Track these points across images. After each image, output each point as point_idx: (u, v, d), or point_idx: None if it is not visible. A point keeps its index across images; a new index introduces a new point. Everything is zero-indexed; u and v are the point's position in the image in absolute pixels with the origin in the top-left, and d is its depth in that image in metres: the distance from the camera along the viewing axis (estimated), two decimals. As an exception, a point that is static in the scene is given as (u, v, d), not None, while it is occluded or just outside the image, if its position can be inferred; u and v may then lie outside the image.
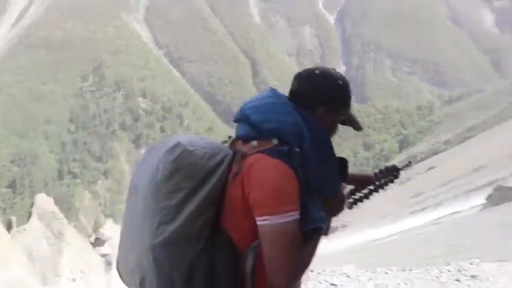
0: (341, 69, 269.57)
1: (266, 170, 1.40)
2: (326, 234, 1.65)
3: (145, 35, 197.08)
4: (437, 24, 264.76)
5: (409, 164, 2.08)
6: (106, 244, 62.12)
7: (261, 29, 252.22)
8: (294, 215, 1.38)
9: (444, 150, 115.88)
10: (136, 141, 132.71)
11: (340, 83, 1.63)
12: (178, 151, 1.42)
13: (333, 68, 1.70)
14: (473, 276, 4.94)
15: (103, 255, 55.53)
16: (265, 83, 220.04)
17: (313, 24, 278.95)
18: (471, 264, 5.59)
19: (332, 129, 1.68)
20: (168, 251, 1.38)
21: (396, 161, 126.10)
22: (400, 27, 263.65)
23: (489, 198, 32.94)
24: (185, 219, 1.38)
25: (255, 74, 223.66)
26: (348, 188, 1.88)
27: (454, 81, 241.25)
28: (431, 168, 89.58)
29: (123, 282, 1.61)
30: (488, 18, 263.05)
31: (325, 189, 1.55)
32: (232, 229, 1.43)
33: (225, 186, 1.45)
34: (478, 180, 54.06)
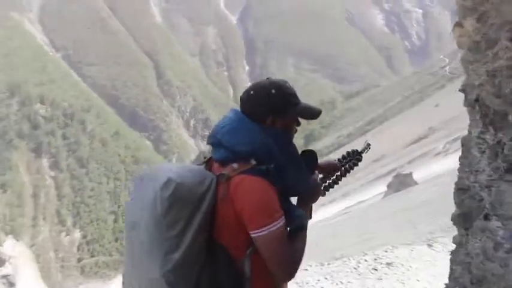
0: (245, 68, 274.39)
1: (252, 189, 1.64)
2: (310, 218, 1.94)
3: (40, 37, 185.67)
4: (335, 24, 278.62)
5: (367, 146, 2.34)
6: (6, 263, 58.08)
7: (163, 29, 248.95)
8: (281, 221, 1.65)
9: (347, 143, 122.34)
10: (37, 150, 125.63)
11: (273, 91, 1.82)
12: (171, 187, 1.58)
13: (267, 78, 1.93)
14: (388, 264, 4.99)
15: (3, 276, 51.97)
16: (169, 84, 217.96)
17: (216, 24, 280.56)
18: (386, 251, 5.79)
19: (290, 132, 1.92)
20: (178, 274, 1.58)
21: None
22: (301, 26, 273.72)
23: (390, 185, 36.22)
24: (188, 245, 1.59)
25: (159, 75, 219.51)
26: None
27: (353, 77, 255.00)
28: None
29: None
30: (379, 19, 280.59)
31: (300, 190, 1.84)
32: (227, 241, 1.68)
33: (215, 206, 1.67)
34: (380, 170, 57.64)
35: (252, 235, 1.64)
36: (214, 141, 1.81)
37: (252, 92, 1.84)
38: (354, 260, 5.76)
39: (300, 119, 1.94)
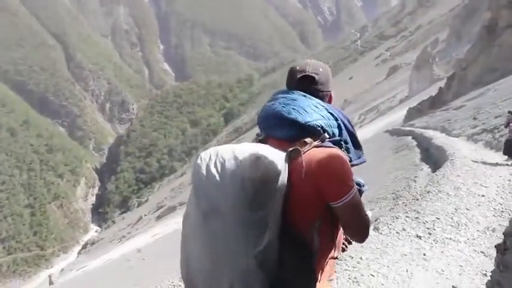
0: (160, 48, 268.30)
1: (333, 160, 1.67)
2: None
3: None
4: (249, 1, 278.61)
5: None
6: None
7: (70, 9, 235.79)
8: (356, 188, 1.74)
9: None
10: None
11: (326, 69, 1.97)
12: (262, 166, 1.61)
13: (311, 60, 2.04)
14: (335, 258, 5.30)
15: None
16: (81, 67, 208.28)
17: (127, 2, 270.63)
18: None
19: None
20: (268, 253, 1.59)
21: (224, 133, 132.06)
22: (214, 3, 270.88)
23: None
24: (275, 223, 1.60)
25: (69, 58, 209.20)
26: None
27: (268, 53, 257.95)
28: (256, 138, 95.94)
29: None
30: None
31: (357, 163, 1.90)
32: (294, 217, 1.68)
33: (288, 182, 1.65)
34: None
35: (335, 205, 1.68)
36: (273, 122, 1.80)
37: (321, 69, 1.92)
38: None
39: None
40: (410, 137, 22.69)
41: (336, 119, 1.81)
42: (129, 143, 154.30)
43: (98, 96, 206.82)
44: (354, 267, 3.62)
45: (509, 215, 5.34)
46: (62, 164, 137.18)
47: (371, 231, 4.31)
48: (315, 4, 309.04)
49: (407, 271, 3.44)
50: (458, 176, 7.70)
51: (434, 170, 11.58)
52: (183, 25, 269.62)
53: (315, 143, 1.71)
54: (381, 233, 4.32)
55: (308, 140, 1.71)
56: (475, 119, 20.22)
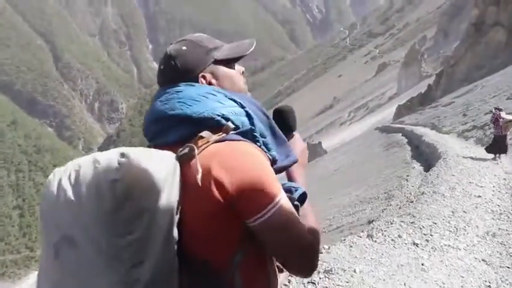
0: (148, 47, 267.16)
1: (240, 158, 1.15)
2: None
3: None
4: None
5: None
6: None
7: (58, 9, 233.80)
8: (282, 199, 1.16)
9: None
10: None
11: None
12: (124, 166, 1.08)
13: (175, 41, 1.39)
14: (327, 272, 3.72)
15: None
16: (69, 67, 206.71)
17: (115, 2, 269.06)
18: (320, 253, 4.97)
19: (238, 82, 1.39)
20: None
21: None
22: (203, 2, 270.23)
23: (301, 157, 37.42)
24: (160, 249, 1.09)
25: (57, 58, 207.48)
26: None
27: (258, 52, 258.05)
28: None
29: None
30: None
31: (288, 162, 1.33)
32: (201, 247, 1.17)
33: (181, 198, 1.14)
34: None
35: (251, 224, 1.14)
36: (156, 127, 1.27)
37: (184, 48, 1.33)
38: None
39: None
40: (400, 134, 22.58)
41: (242, 106, 1.25)
42: (118, 143, 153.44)
43: (87, 96, 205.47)
44: (347, 282, 3.20)
45: (508, 217, 5.14)
46: (51, 165, 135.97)
47: (365, 240, 4.07)
48: (303, 2, 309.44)
49: (405, 285, 3.17)
50: (453, 175, 7.49)
51: (426, 168, 11.41)
52: (172, 24, 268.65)
53: (215, 137, 1.18)
54: (375, 241, 4.02)
55: (205, 133, 1.19)
56: (464, 115, 20.13)
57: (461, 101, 24.60)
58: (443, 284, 3.27)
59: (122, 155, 1.10)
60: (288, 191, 1.26)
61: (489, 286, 3.37)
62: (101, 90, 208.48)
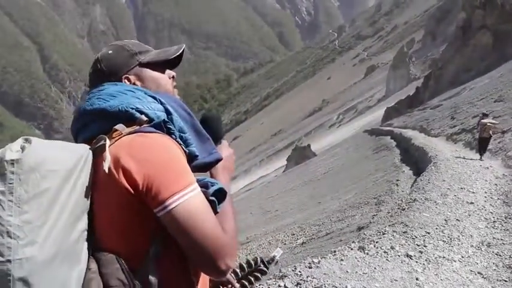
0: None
1: (149, 148, 1.16)
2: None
3: None
4: (227, 1, 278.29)
5: (273, 259, 1.69)
6: None
7: (45, 9, 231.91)
8: (197, 186, 1.18)
9: (245, 119, 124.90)
10: None
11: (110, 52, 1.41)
12: (25, 149, 1.08)
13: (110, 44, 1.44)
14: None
15: None
16: (57, 69, 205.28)
17: (103, 3, 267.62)
18: (310, 267, 3.91)
19: (165, 85, 1.43)
20: (42, 278, 1.03)
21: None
22: (192, 3, 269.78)
23: (289, 159, 37.23)
24: (59, 231, 1.07)
25: (44, 59, 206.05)
26: None
27: (247, 54, 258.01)
28: (235, 138, 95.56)
29: None
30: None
31: (211, 158, 1.33)
32: (114, 242, 1.16)
33: (93, 190, 1.17)
34: (278, 144, 58.69)
35: (161, 213, 1.12)
36: (77, 124, 1.32)
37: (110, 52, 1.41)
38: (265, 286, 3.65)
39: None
40: (389, 137, 22.54)
41: (161, 103, 1.27)
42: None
43: (75, 98, 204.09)
44: None
45: (502, 225, 5.01)
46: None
47: (357, 253, 3.90)
48: (292, 4, 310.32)
49: (400, 302, 3.01)
50: (444, 180, 7.37)
51: (415, 172, 11.31)
52: (161, 25, 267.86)
53: (129, 129, 1.20)
54: (368, 253, 3.85)
55: (119, 126, 1.21)
56: (453, 118, 20.15)
57: (449, 104, 24.64)
58: (439, 300, 3.13)
59: (26, 140, 1.10)
60: (204, 186, 1.24)
61: (487, 303, 3.23)
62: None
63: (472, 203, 6.01)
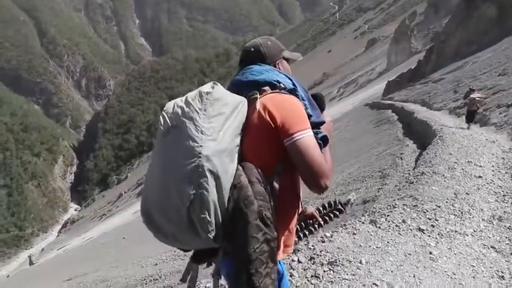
0: (135, 22, 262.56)
1: (286, 99, 1.79)
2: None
3: None
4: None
5: (349, 202, 2.50)
6: None
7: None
8: (310, 132, 1.76)
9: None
10: None
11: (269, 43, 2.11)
12: (215, 86, 1.78)
13: (258, 38, 2.18)
14: (331, 263, 3.41)
15: None
16: (54, 43, 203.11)
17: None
18: (323, 241, 3.88)
19: (289, 72, 2.12)
20: (218, 160, 1.63)
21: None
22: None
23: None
24: (229, 135, 1.69)
25: (42, 34, 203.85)
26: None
27: (246, 27, 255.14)
28: None
29: (152, 225, 1.72)
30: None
31: (318, 119, 1.92)
32: (256, 159, 1.75)
33: (247, 124, 1.79)
34: None
35: (287, 142, 1.72)
36: (233, 91, 1.91)
37: (267, 45, 2.07)
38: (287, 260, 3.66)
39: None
40: (390, 111, 22.41)
41: (290, 79, 1.93)
42: (107, 120, 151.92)
43: (74, 73, 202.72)
44: (353, 275, 3.10)
45: (512, 199, 4.99)
46: (38, 143, 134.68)
47: (369, 226, 3.86)
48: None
49: (414, 276, 2.98)
50: (451, 154, 7.31)
51: (419, 146, 11.25)
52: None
53: (272, 91, 1.85)
54: (380, 227, 3.82)
55: (266, 88, 1.86)
56: (455, 92, 19.99)
57: (451, 78, 24.43)
58: (454, 274, 3.09)
59: (214, 83, 1.81)
60: (315, 133, 1.80)
61: (502, 276, 3.20)
62: (88, 67, 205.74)
63: (480, 176, 5.96)
